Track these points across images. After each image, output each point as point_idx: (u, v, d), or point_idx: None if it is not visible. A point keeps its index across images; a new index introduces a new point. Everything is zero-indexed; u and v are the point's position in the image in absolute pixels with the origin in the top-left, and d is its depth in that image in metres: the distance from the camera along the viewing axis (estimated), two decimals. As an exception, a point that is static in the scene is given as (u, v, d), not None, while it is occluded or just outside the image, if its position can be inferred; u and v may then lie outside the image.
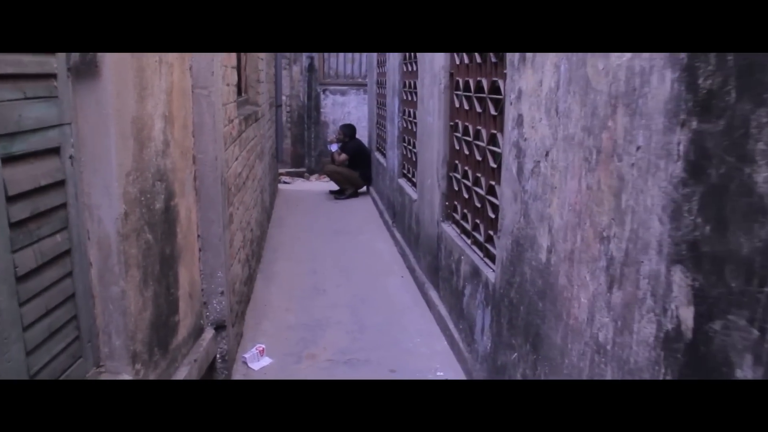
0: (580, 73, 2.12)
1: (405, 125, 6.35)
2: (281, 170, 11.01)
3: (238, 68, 5.28)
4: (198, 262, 3.29)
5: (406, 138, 6.29)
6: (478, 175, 3.64)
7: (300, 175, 11.74)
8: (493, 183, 3.38)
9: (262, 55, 6.51)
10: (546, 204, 2.47)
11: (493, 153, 3.41)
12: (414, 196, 5.61)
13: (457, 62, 4.04)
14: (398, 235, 6.49)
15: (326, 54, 11.74)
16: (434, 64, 4.50)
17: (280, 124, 9.47)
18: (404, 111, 6.36)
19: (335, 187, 9.56)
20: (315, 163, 11.83)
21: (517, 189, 2.83)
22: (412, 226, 5.68)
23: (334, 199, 9.26)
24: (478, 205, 3.65)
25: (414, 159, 5.75)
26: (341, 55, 11.80)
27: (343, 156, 9.28)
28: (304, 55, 11.49)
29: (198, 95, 3.15)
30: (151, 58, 2.51)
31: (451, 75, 4.19)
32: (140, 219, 2.44)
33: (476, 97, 3.64)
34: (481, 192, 3.57)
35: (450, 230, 4.24)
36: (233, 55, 4.11)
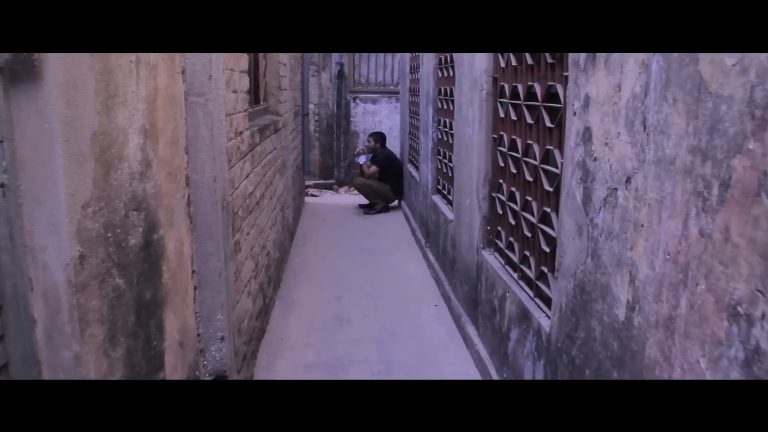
0: (686, 73, 1.53)
1: (440, 136, 5.78)
2: (309, 182, 10.52)
3: (254, 74, 4.77)
4: (193, 303, 2.76)
5: (441, 151, 5.72)
6: (529, 198, 3.06)
7: (329, 187, 11.23)
8: (547, 210, 2.79)
9: (284, 59, 6.01)
10: (626, 245, 1.88)
11: (546, 173, 2.82)
12: (450, 216, 5.03)
13: (502, 65, 3.46)
14: (431, 257, 5.91)
15: (356, 60, 11.23)
16: (474, 68, 3.93)
17: (307, 134, 8.97)
18: (439, 121, 5.79)
19: (365, 200, 9.01)
20: (344, 175, 11.31)
21: (582, 221, 2.24)
22: (447, 249, 5.10)
23: (364, 213, 8.71)
24: (528, 234, 3.06)
25: (450, 174, 5.17)
26: (372, 61, 11.28)
27: (373, 168, 8.73)
28: (334, 61, 11.00)
29: (192, 104, 2.63)
30: (122, 59, 1.99)
31: (495, 80, 3.62)
32: (105, 261, 1.91)
33: (526, 106, 3.06)
34: (532, 219, 2.99)
35: (492, 259, 3.66)
36: (243, 57, 3.59)
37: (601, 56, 2.07)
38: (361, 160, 8.92)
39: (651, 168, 1.72)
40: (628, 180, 1.88)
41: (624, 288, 1.90)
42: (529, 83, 2.99)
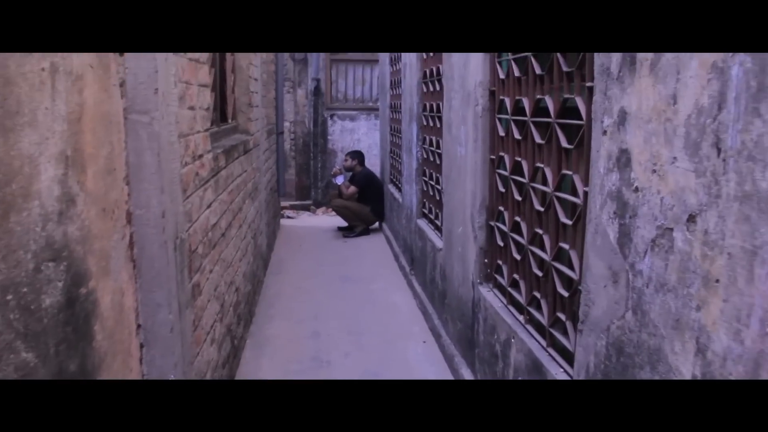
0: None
1: (426, 156, 5.34)
2: (284, 203, 10.02)
3: (221, 89, 4.30)
4: (139, 365, 2.27)
5: (428, 171, 5.28)
6: (538, 231, 2.61)
7: (306, 208, 10.73)
8: (564, 246, 2.35)
9: (256, 74, 5.55)
10: (689, 304, 1.44)
11: (562, 202, 2.38)
12: (438, 243, 4.57)
13: (501, 76, 3.03)
14: (417, 286, 5.45)
15: (333, 75, 10.79)
16: (467, 81, 3.50)
17: (282, 154, 8.48)
18: (424, 139, 5.35)
19: (343, 223, 8.52)
20: (322, 195, 10.83)
21: (618, 266, 1.80)
22: (435, 279, 4.64)
23: (343, 237, 8.22)
24: (538, 272, 2.62)
25: (437, 198, 4.73)
26: (350, 76, 10.85)
27: (352, 189, 8.27)
28: (310, 77, 10.55)
29: (134, 123, 2.15)
30: (28, 65, 1.52)
31: (492, 93, 3.18)
32: (4, 333, 1.43)
33: (533, 123, 2.63)
34: (544, 256, 2.54)
35: (491, 297, 3.21)
36: (203, 68, 3.12)
37: (645, 60, 1.64)
38: (339, 180, 8.44)
39: (732, 206, 1.28)
40: (692, 219, 1.43)
41: (687, 358, 1.45)
42: (538, 96, 2.56)
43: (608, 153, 1.85)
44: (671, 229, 1.52)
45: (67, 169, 1.71)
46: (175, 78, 2.50)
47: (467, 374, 3.61)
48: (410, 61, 5.66)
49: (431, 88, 4.96)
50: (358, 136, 10.77)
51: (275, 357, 4.37)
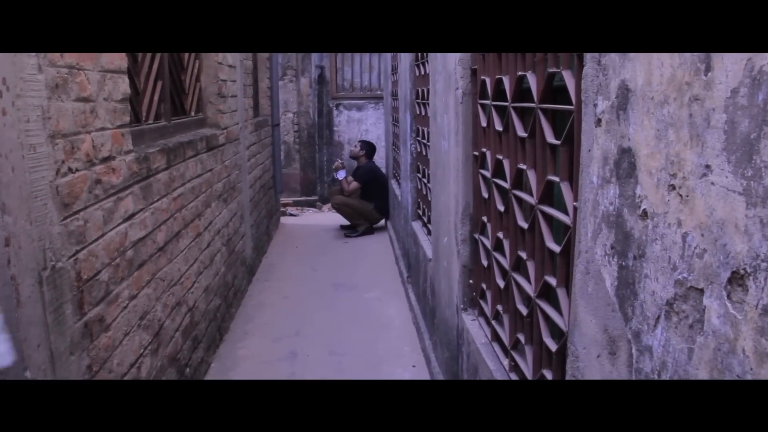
0: None
1: (419, 149, 4.69)
2: (287, 200, 9.44)
3: (177, 77, 3.70)
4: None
5: (420, 167, 4.63)
6: (522, 255, 1.96)
7: (311, 204, 10.12)
8: (550, 281, 1.70)
9: (229, 60, 4.94)
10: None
11: (549, 220, 1.73)
12: (429, 253, 3.93)
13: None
14: (413, 298, 4.82)
15: (339, 62, 10.13)
16: (447, 58, 2.85)
17: (278, 147, 7.86)
18: (417, 130, 4.70)
19: (346, 221, 7.88)
20: (328, 191, 10.19)
21: (617, 330, 1.16)
22: (427, 293, 4.00)
23: (344, 236, 7.59)
24: (522, 309, 1.97)
25: (429, 198, 4.08)
26: (356, 63, 10.18)
27: (354, 184, 7.62)
28: (314, 64, 9.91)
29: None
30: None
31: (474, 73, 2.53)
32: None
33: (515, 109, 1.97)
34: (528, 289, 1.89)
35: (475, 329, 2.56)
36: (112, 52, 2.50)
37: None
38: (340, 175, 7.79)
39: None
40: (737, 279, 0.79)
41: None
42: (520, 73, 1.90)
43: (603, 153, 1.20)
44: (700, 291, 0.88)
45: None
46: (38, 60, 1.90)
47: (454, 415, 2.97)
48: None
49: (422, 71, 4.30)
50: (366, 126, 10.12)
51: (240, 385, 3.78)
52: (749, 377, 0.77)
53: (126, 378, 2.54)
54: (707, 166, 0.85)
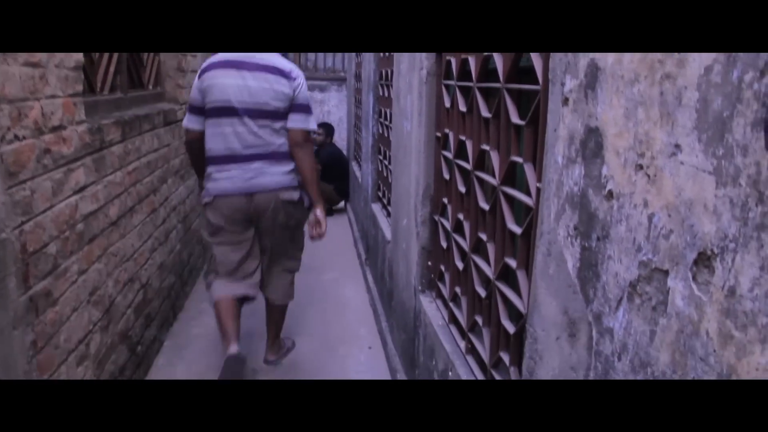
0: None
1: (380, 131, 4.65)
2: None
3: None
4: None
5: (382, 149, 4.59)
6: (482, 236, 1.95)
7: (271, 184, 9.98)
8: (510, 262, 1.68)
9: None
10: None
11: (511, 201, 1.72)
12: (388, 234, 3.91)
13: (448, 30, 2.33)
14: (370, 280, 4.79)
15: (302, 43, 9.98)
16: (412, 39, 2.81)
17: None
18: (380, 112, 4.65)
19: (305, 202, 7.80)
20: (288, 171, 10.09)
21: (577, 312, 1.15)
22: (384, 275, 3.99)
23: (303, 217, 7.51)
24: (481, 291, 1.96)
25: (390, 180, 4.05)
26: (320, 44, 10.04)
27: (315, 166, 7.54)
28: (276, 43, 9.74)
29: None
30: None
31: (439, 53, 2.49)
32: None
33: (480, 90, 1.95)
34: (488, 271, 1.88)
35: (432, 311, 2.55)
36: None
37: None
38: (301, 156, 7.70)
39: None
40: (704, 260, 0.78)
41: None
42: (486, 53, 1.87)
43: (570, 133, 1.18)
44: (665, 273, 0.86)
45: None
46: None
47: (409, 397, 2.97)
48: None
49: (387, 53, 4.26)
50: (328, 107, 10.01)
51: (194, 364, 3.72)
52: (711, 360, 0.76)
53: (74, 354, 2.46)
54: (677, 146, 0.84)
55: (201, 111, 3.04)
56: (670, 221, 0.85)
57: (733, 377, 0.71)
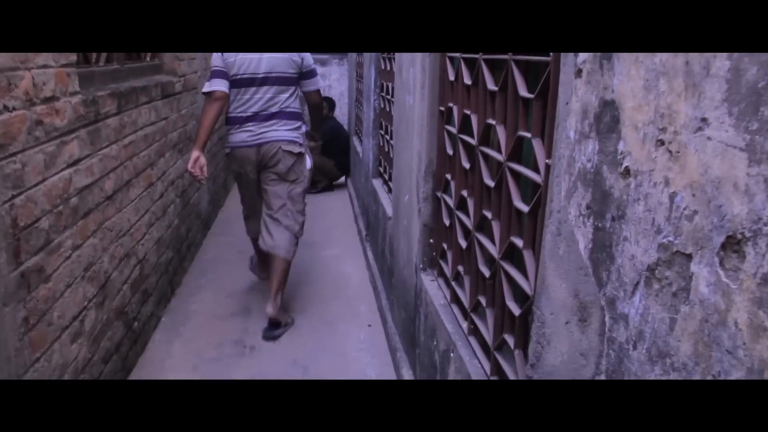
0: None
1: (382, 105, 4.57)
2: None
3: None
4: None
5: (383, 123, 4.51)
6: (486, 213, 1.88)
7: (271, 158, 9.90)
8: (516, 242, 1.62)
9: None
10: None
11: (518, 178, 1.66)
12: (389, 211, 3.85)
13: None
14: (371, 256, 4.74)
15: (303, 15, 9.84)
16: (416, 9, 2.72)
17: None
18: (382, 86, 4.56)
19: (305, 177, 7.73)
20: (289, 145, 10.00)
21: (589, 295, 1.09)
22: (385, 252, 3.93)
23: (303, 192, 7.45)
24: (485, 270, 1.90)
25: (391, 156, 3.98)
26: (321, 16, 9.89)
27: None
28: (277, 15, 9.60)
29: None
30: None
31: (442, 24, 2.41)
32: None
33: (485, 61, 1.87)
34: (492, 251, 1.82)
35: (433, 290, 2.50)
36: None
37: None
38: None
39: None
40: (733, 244, 0.71)
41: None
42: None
43: (583, 107, 1.12)
44: (688, 257, 0.80)
45: None
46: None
47: (408, 375, 2.94)
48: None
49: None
50: (329, 82, 9.88)
51: (191, 340, 3.68)
52: (740, 353, 0.70)
53: (68, 331, 2.41)
54: (704, 119, 0.77)
55: (227, 76, 3.52)
56: (695, 201, 0.79)
57: (766, 373, 0.66)
